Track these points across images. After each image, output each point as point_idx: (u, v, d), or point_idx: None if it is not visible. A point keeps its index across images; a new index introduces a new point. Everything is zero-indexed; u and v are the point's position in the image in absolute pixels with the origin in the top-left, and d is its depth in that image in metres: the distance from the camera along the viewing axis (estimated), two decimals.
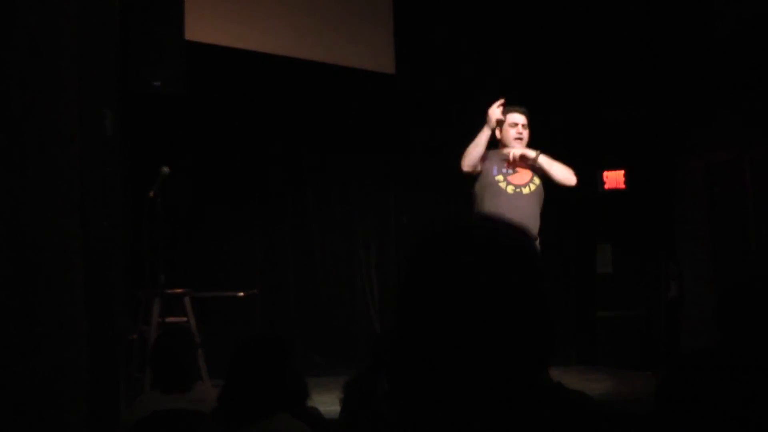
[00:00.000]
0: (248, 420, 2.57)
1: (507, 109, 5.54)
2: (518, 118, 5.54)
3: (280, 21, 6.73)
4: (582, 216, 7.42)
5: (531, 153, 5.42)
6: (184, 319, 5.54)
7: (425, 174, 7.57)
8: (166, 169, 5.46)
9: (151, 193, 5.46)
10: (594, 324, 7.34)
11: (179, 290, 5.59)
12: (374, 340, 3.62)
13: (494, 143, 5.75)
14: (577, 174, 5.63)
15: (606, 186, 7.39)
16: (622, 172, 7.34)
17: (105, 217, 4.17)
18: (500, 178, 5.46)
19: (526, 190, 5.48)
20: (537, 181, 5.47)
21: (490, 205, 5.45)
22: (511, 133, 5.52)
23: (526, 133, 5.54)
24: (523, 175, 5.51)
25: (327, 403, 4.20)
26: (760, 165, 6.90)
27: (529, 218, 5.45)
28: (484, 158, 5.58)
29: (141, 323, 5.52)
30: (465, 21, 7.34)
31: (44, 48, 3.29)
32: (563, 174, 5.50)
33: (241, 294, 6.30)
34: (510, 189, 5.44)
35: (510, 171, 5.47)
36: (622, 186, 7.35)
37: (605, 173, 7.38)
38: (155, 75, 5.12)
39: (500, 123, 5.48)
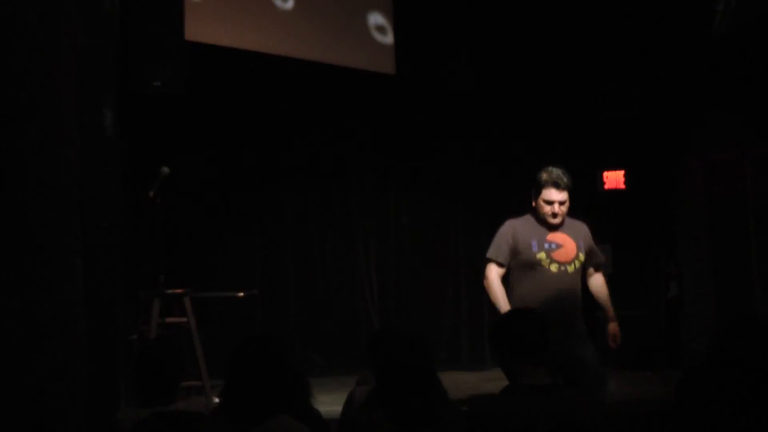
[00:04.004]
0: (248, 421, 2.56)
1: (543, 181, 4.64)
2: (554, 195, 4.63)
3: (280, 21, 6.72)
4: (582, 216, 7.40)
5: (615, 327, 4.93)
6: (184, 319, 5.54)
7: (425, 174, 7.56)
8: (166, 169, 5.46)
9: (151, 193, 5.46)
10: (594, 324, 7.33)
11: (179, 290, 5.58)
12: (372, 336, 3.60)
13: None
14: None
15: (606, 186, 7.38)
16: (622, 172, 7.34)
17: (105, 217, 4.18)
18: (543, 255, 4.62)
19: (570, 268, 4.65)
20: (582, 256, 4.72)
21: (532, 286, 4.63)
22: (545, 210, 4.65)
23: (564, 209, 4.68)
24: (568, 250, 4.68)
25: (327, 403, 4.19)
26: (760, 165, 6.90)
27: (573, 293, 4.72)
28: (517, 226, 4.74)
29: (141, 323, 5.52)
30: (465, 21, 7.34)
31: (44, 48, 3.29)
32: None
33: (241, 294, 6.29)
34: (554, 268, 4.62)
35: (554, 246, 4.66)
36: (622, 186, 7.34)
37: (605, 173, 7.38)
38: (155, 75, 5.12)
39: None
